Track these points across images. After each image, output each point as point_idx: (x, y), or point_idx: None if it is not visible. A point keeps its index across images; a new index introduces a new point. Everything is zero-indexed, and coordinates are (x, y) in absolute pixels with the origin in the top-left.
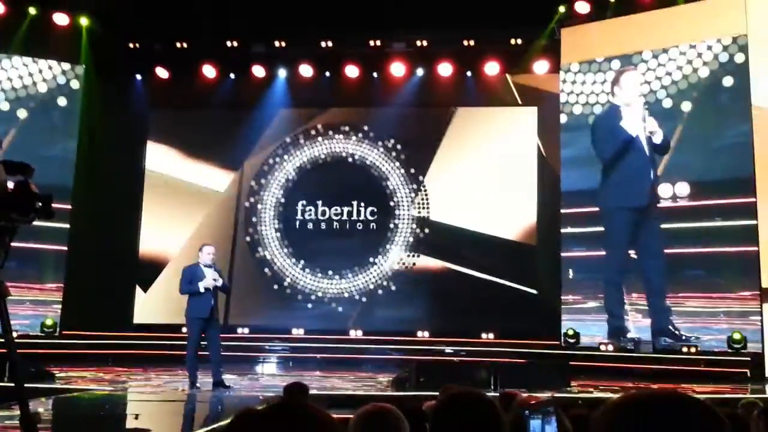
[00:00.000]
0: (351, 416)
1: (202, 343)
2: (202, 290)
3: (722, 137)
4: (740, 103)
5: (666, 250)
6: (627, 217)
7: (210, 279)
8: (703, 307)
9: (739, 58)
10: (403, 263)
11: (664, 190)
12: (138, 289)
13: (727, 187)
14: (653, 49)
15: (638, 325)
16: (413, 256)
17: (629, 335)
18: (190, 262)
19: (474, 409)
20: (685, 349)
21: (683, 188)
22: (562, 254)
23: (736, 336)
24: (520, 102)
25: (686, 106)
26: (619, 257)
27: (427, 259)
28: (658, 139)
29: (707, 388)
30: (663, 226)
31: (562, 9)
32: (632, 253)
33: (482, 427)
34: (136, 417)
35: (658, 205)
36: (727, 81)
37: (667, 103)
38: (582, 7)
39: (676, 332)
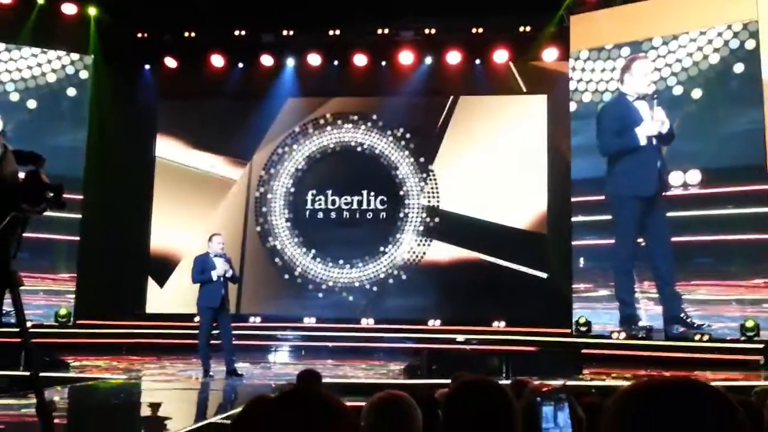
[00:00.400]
0: (364, 404)
1: (214, 332)
2: (215, 279)
3: (733, 124)
4: (751, 90)
5: (678, 238)
6: (635, 206)
7: (221, 268)
8: (716, 295)
9: (750, 44)
10: (414, 252)
11: (675, 177)
12: (150, 279)
13: (738, 174)
14: (663, 35)
15: (650, 313)
16: (424, 245)
17: (641, 323)
18: (201, 251)
19: (486, 397)
20: (697, 337)
21: (694, 176)
22: (573, 243)
23: (749, 324)
24: (524, 90)
25: (696, 93)
26: (628, 245)
27: (437, 248)
28: (665, 129)
29: (720, 375)
30: (674, 214)
31: None
32: (641, 241)
33: (494, 415)
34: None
35: (669, 193)
36: (738, 68)
37: (678, 90)
38: None
39: (688, 320)
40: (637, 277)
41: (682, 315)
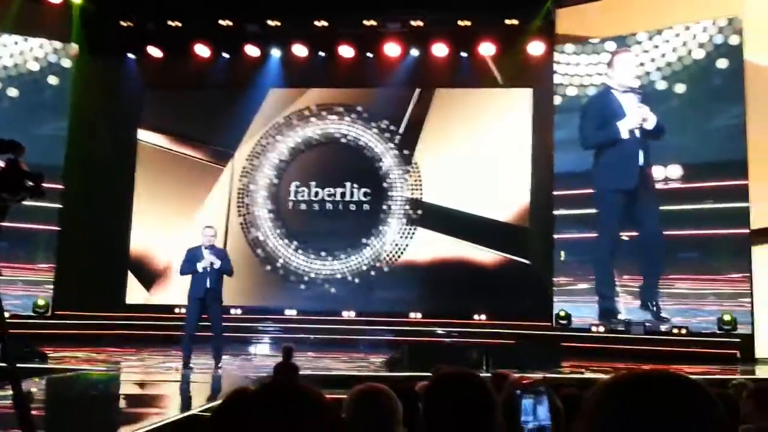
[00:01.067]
0: (344, 396)
1: (201, 323)
2: (200, 270)
3: (715, 120)
4: (734, 86)
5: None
6: (616, 199)
7: (207, 260)
8: (694, 289)
9: (734, 40)
10: (396, 245)
11: (657, 172)
12: (131, 273)
13: (719, 169)
14: (648, 30)
15: (628, 307)
16: (406, 237)
17: (620, 317)
18: (181, 242)
19: (466, 389)
20: (675, 331)
21: (675, 170)
22: (555, 236)
23: (726, 318)
24: (501, 83)
25: (680, 88)
26: (607, 238)
27: (419, 241)
28: (650, 125)
29: (698, 369)
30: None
31: None
32: (624, 236)
33: (474, 406)
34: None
35: (655, 187)
36: (721, 63)
37: (661, 85)
38: None
39: (655, 310)
40: (617, 271)
41: (649, 304)
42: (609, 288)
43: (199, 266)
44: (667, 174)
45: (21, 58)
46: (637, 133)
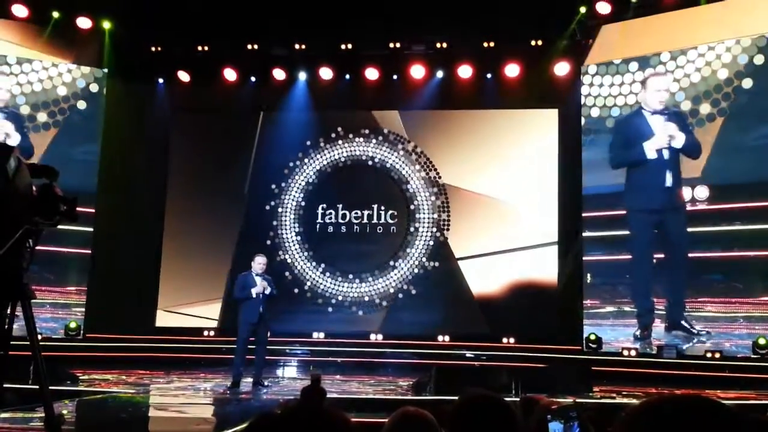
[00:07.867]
0: (371, 420)
1: (250, 346)
2: (254, 296)
3: (742, 140)
4: (760, 105)
5: (688, 254)
6: (645, 219)
7: (260, 286)
8: (725, 312)
9: (759, 59)
10: (424, 267)
11: (684, 193)
12: (161, 293)
13: (747, 190)
14: (672, 50)
15: (659, 329)
16: (434, 259)
17: (653, 341)
18: (214, 264)
19: (490, 412)
20: (709, 355)
21: (702, 192)
22: (584, 258)
23: (761, 341)
24: (534, 104)
25: (705, 109)
26: (639, 259)
27: (447, 263)
28: (678, 143)
29: (732, 393)
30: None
31: (582, 10)
32: (655, 257)
33: (499, 429)
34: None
35: (684, 209)
36: (747, 83)
37: (686, 106)
38: (603, 8)
39: (689, 326)
40: (653, 293)
41: (683, 322)
42: (644, 310)
43: (254, 292)
44: (694, 195)
45: (52, 83)
46: (666, 154)
